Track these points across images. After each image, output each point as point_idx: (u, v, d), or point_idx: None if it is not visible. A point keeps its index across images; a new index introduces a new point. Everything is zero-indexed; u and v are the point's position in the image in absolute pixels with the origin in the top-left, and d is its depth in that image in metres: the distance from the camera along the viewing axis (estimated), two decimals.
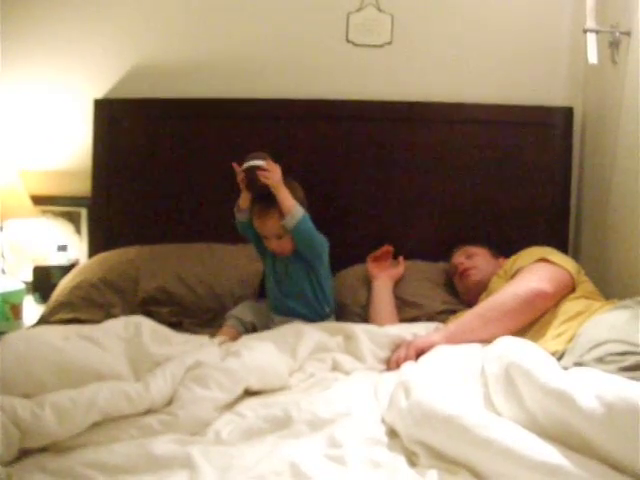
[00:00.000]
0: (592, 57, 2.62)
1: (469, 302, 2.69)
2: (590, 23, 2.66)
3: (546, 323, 2.23)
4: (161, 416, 1.81)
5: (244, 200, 2.67)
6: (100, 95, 3.39)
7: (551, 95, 3.20)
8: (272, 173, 2.55)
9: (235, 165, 2.62)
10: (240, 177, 2.60)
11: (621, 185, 2.68)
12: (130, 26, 3.39)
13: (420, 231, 3.20)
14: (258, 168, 2.54)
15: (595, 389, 1.46)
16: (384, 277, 2.88)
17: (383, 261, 3.01)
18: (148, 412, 1.83)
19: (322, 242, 2.66)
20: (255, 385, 2.02)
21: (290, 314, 2.65)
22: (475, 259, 2.82)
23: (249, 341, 2.25)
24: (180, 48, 3.38)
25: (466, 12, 3.23)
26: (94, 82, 3.40)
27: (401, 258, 3.01)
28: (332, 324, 2.54)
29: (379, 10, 3.24)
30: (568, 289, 2.34)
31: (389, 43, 3.27)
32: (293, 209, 2.54)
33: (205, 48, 3.36)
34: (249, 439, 1.76)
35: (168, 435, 1.74)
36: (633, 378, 1.56)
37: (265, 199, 2.59)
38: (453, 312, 2.72)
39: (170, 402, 1.87)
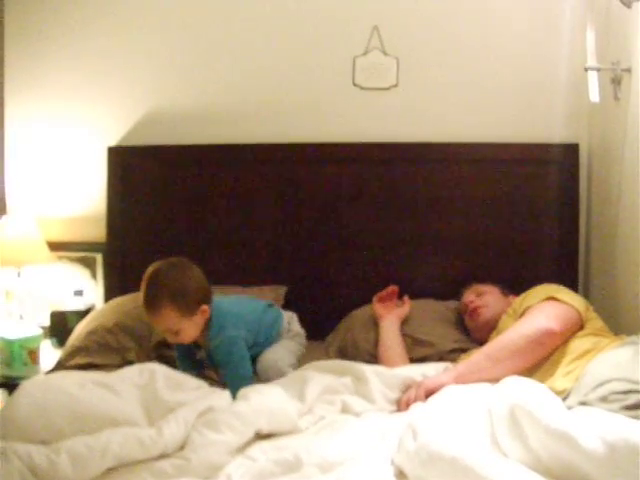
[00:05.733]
0: (594, 95, 2.65)
1: (480, 340, 2.70)
2: (591, 61, 2.69)
3: (555, 361, 2.24)
4: (174, 460, 1.83)
5: None
6: (113, 142, 3.47)
7: (556, 132, 3.22)
8: None
9: None
10: None
11: (628, 220, 2.70)
12: (141, 75, 3.48)
13: (430, 270, 3.23)
14: None
15: (597, 429, 1.48)
16: (391, 317, 2.90)
17: (389, 301, 3.02)
18: (161, 457, 1.86)
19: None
20: (265, 427, 2.04)
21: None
22: (485, 297, 2.83)
23: (257, 385, 2.27)
24: (191, 96, 3.46)
25: (469, 53, 3.28)
26: (107, 130, 3.49)
27: (406, 297, 3.03)
28: (341, 364, 2.52)
29: (384, 54, 3.30)
30: (576, 327, 2.34)
31: (395, 86, 3.33)
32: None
33: (215, 95, 3.44)
34: None
35: (181, 479, 1.76)
36: (635, 417, 1.58)
37: (151, 296, 2.39)
38: (464, 351, 2.73)
39: (183, 447, 1.90)
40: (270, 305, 2.79)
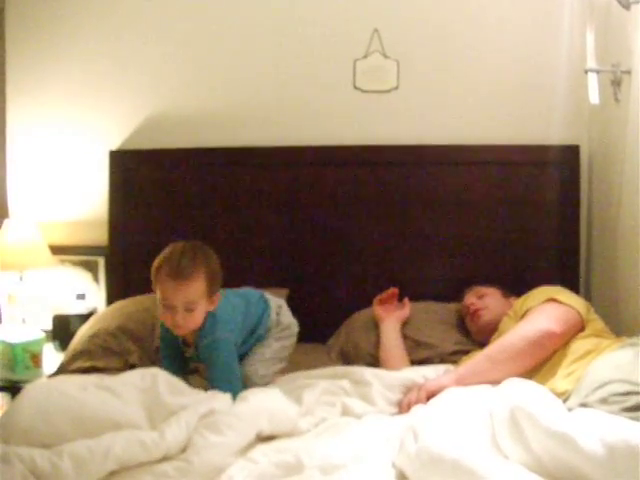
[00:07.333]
0: (594, 97, 2.65)
1: (481, 342, 2.70)
2: (591, 63, 2.69)
3: (556, 363, 2.24)
4: (176, 463, 1.84)
5: None
6: (115, 146, 3.48)
7: (557, 134, 3.21)
8: None
9: None
10: None
11: (629, 221, 2.70)
12: (142, 79, 3.49)
13: (432, 272, 3.23)
14: None
15: (597, 431, 1.49)
16: (391, 319, 2.90)
17: (389, 303, 3.02)
18: (163, 459, 1.86)
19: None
20: (266, 428, 2.05)
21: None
22: (486, 299, 2.83)
23: (254, 388, 2.29)
24: (192, 99, 3.47)
25: (470, 56, 3.29)
26: (109, 134, 3.50)
27: (406, 299, 3.03)
28: (338, 369, 2.54)
29: (385, 56, 3.31)
30: (577, 328, 2.35)
31: (396, 88, 3.33)
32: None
33: (216, 98, 3.45)
34: None
35: None
36: (635, 418, 1.58)
37: (187, 265, 2.32)
38: (466, 352, 2.73)
39: (185, 449, 1.90)
40: (262, 296, 2.69)
